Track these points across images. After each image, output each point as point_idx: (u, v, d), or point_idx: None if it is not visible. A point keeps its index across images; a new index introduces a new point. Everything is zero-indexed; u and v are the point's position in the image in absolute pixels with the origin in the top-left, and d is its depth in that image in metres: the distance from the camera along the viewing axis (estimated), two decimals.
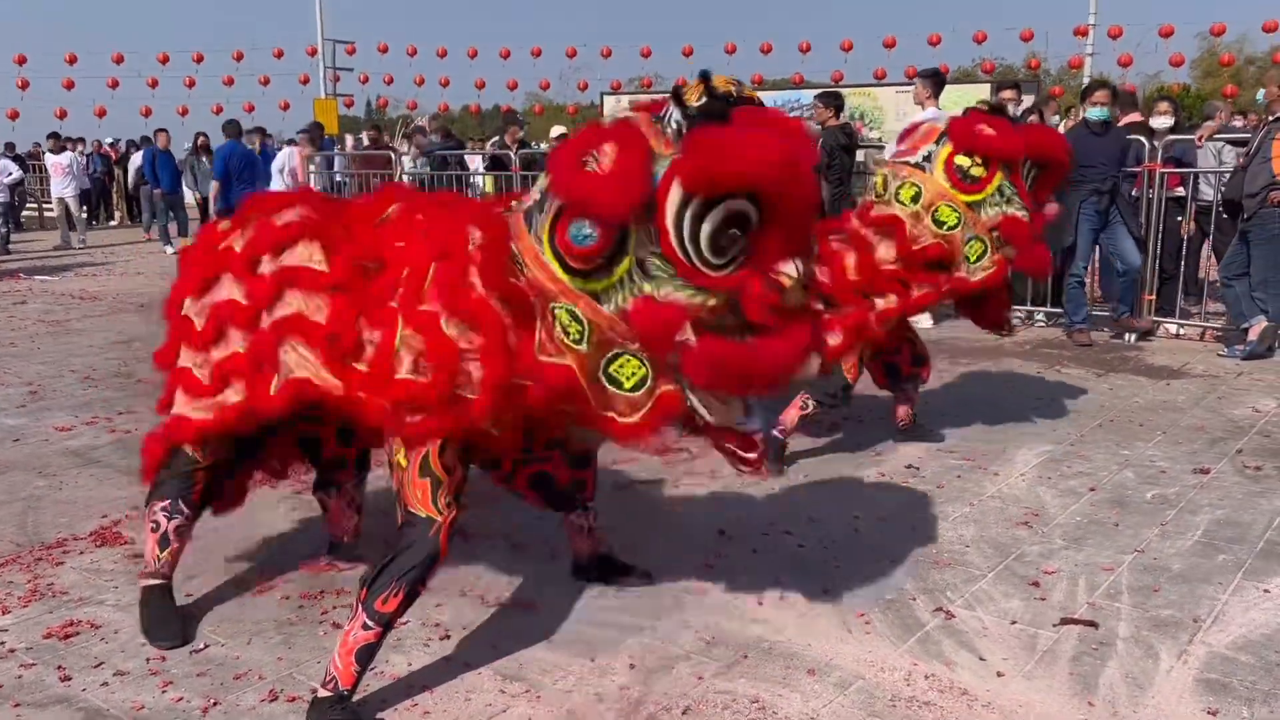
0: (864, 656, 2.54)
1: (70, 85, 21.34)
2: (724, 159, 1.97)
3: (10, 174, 13.37)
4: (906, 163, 3.98)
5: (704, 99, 2.08)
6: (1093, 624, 2.70)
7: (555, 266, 2.16)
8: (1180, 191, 6.95)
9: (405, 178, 9.95)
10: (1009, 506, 3.62)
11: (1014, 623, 2.72)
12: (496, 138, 11.14)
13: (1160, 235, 6.79)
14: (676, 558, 3.12)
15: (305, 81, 21.99)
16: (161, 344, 2.67)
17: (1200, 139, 6.65)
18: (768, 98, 5.04)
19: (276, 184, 9.46)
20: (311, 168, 10.37)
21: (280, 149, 11.45)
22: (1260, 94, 6.96)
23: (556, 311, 2.16)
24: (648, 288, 2.11)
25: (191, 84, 22.47)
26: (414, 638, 2.64)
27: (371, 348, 2.24)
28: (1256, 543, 3.26)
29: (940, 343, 5.63)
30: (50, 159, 14.09)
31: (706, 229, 2.04)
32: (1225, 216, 6.68)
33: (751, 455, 2.31)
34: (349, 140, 15.58)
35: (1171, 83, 21.13)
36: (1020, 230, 3.78)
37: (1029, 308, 7.20)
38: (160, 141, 13.55)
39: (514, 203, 2.36)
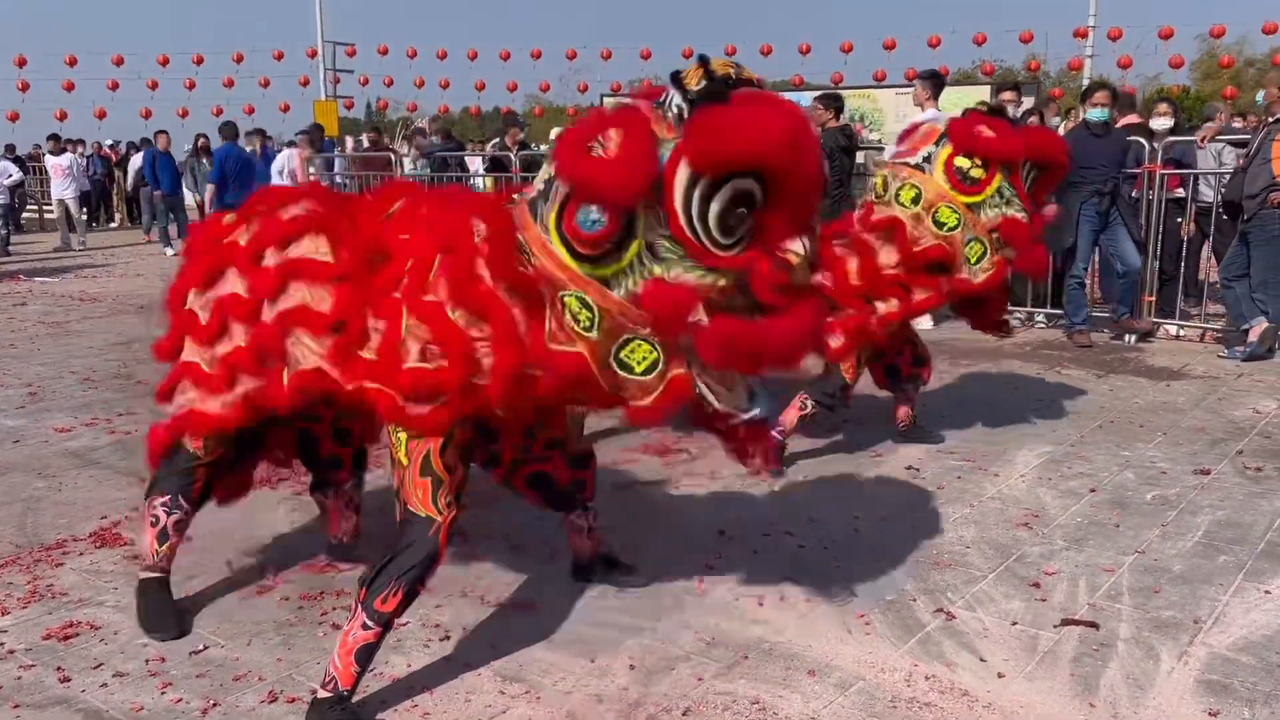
0: (864, 657, 2.54)
1: (70, 87, 21.35)
2: (730, 138, 1.98)
3: (10, 176, 13.37)
4: (906, 164, 3.97)
5: (704, 82, 2.09)
6: (1093, 625, 2.69)
7: (563, 254, 2.16)
8: (1180, 193, 6.95)
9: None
10: (1009, 507, 3.62)
11: (1015, 624, 2.72)
12: (497, 139, 11.14)
13: (1160, 236, 6.79)
14: (677, 558, 3.11)
15: (305, 83, 22.00)
16: (162, 336, 2.66)
17: (1203, 140, 6.65)
18: None
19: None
20: (311, 169, 10.37)
21: (280, 151, 11.45)
22: (1260, 95, 6.97)
23: (566, 299, 2.16)
24: (658, 270, 2.12)
25: (191, 86, 22.52)
26: (414, 638, 2.64)
27: (378, 336, 2.24)
28: (1257, 544, 3.26)
29: (941, 344, 5.63)
30: (50, 161, 14.10)
31: (715, 209, 2.05)
32: (1225, 218, 6.68)
33: (761, 446, 2.33)
34: (349, 142, 15.59)
35: (1171, 84, 21.15)
36: (1019, 231, 3.79)
37: (1029, 309, 7.20)
38: (160, 143, 13.56)
39: (516, 195, 2.36)
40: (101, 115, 21.87)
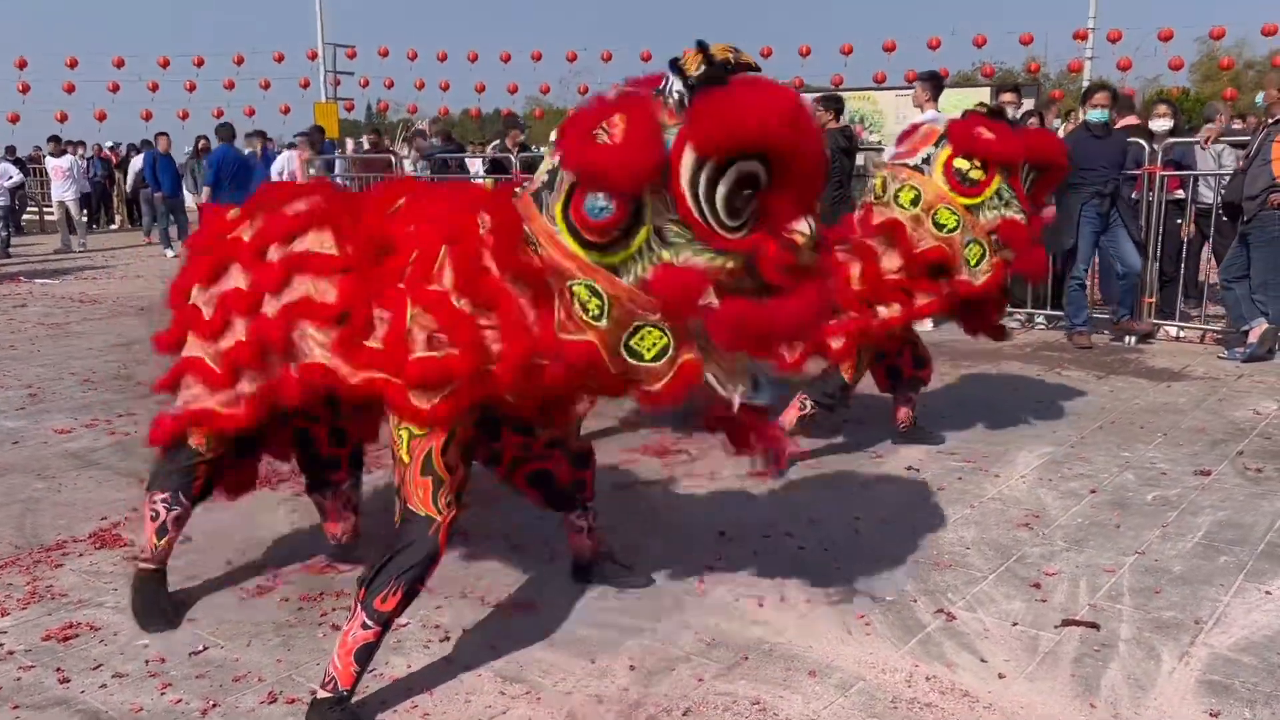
0: (865, 658, 2.54)
1: (71, 89, 21.35)
2: (734, 120, 1.99)
3: (11, 177, 13.37)
4: (905, 165, 3.98)
5: (703, 67, 2.10)
6: (1094, 625, 2.69)
7: (571, 243, 2.16)
8: (1180, 194, 6.95)
9: None
10: (1010, 508, 3.62)
11: (1015, 624, 2.71)
12: (497, 141, 11.16)
13: (1160, 238, 6.79)
14: (677, 559, 3.11)
15: (306, 85, 22.01)
16: (164, 331, 2.66)
17: (1206, 141, 6.66)
18: None
19: None
20: (311, 171, 10.38)
21: (280, 153, 11.46)
22: (1260, 97, 6.97)
23: (575, 288, 2.16)
24: (666, 255, 2.13)
25: (192, 88, 22.50)
26: (414, 639, 2.64)
27: (383, 327, 2.24)
28: (1258, 544, 3.25)
29: (941, 345, 5.62)
30: (51, 162, 14.11)
31: (721, 191, 2.06)
32: (1225, 219, 6.68)
33: (769, 442, 2.35)
34: (349, 144, 15.60)
35: (1171, 86, 21.13)
36: (1018, 233, 3.79)
37: (1029, 310, 7.20)
38: (161, 145, 13.56)
39: (517, 189, 2.37)
40: (102, 117, 21.90)
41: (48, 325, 7.64)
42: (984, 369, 5.78)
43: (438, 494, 2.24)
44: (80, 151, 16.19)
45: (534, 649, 2.58)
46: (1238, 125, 9.11)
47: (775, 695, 2.36)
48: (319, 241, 2.41)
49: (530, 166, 9.51)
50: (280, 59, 21.78)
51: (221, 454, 2.68)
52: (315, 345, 2.33)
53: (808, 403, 4.01)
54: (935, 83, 6.68)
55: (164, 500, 2.69)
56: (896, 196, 3.87)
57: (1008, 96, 7.34)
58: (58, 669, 2.50)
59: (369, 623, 2.22)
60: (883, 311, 3.84)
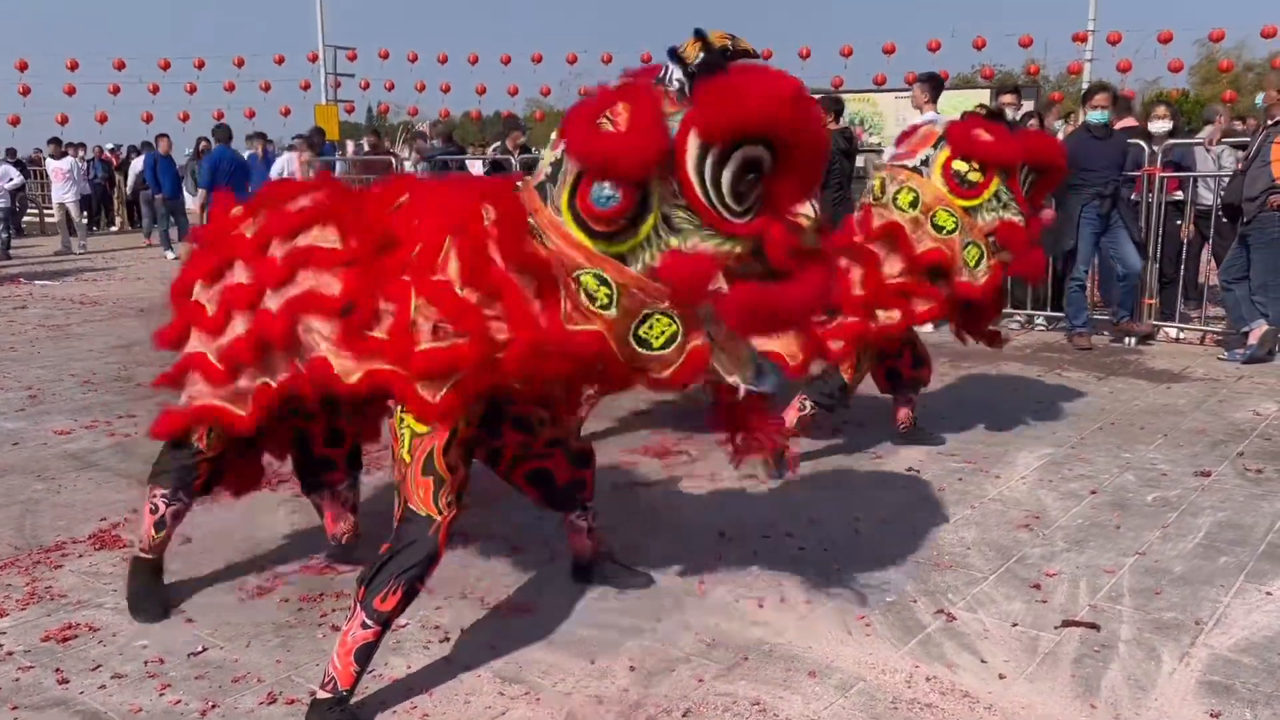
0: (865, 659, 2.53)
1: (72, 91, 21.36)
2: (738, 104, 2.00)
3: (11, 179, 13.38)
4: (904, 167, 3.98)
5: (702, 55, 2.11)
6: (1094, 626, 2.69)
7: (578, 233, 2.16)
8: (1179, 195, 6.96)
9: None
10: (1010, 509, 3.61)
11: (1015, 625, 2.71)
12: (498, 143, 11.16)
13: (1160, 239, 6.79)
14: (677, 559, 3.11)
15: (306, 87, 22.03)
16: (166, 326, 2.66)
17: (1212, 141, 6.66)
18: None
19: None
20: (311, 172, 10.38)
21: (281, 154, 11.47)
22: (1259, 98, 6.97)
23: (582, 278, 2.16)
24: (674, 241, 2.13)
25: (193, 90, 22.51)
26: (413, 640, 2.63)
27: (389, 319, 2.23)
28: (1258, 545, 3.25)
29: (941, 346, 5.61)
30: (51, 164, 14.10)
31: (727, 176, 2.07)
32: (1225, 220, 6.68)
33: (778, 430, 2.36)
34: (350, 146, 15.60)
35: (1170, 88, 21.15)
36: (1016, 235, 3.79)
37: (1029, 312, 7.20)
38: (161, 147, 13.56)
39: (519, 182, 2.37)
40: (102, 119, 21.92)
41: (48, 327, 7.64)
42: (984, 370, 5.78)
43: (439, 494, 2.24)
44: (80, 153, 16.17)
45: (534, 649, 2.58)
46: (1239, 126, 9.11)
47: (775, 696, 2.36)
48: (323, 236, 2.41)
49: (531, 168, 9.47)
50: (281, 61, 21.82)
51: (222, 452, 2.69)
52: (320, 339, 2.33)
53: (807, 403, 4.00)
54: (934, 84, 6.68)
55: (164, 496, 2.72)
56: (895, 199, 3.87)
57: (1007, 98, 7.34)
58: (57, 669, 2.50)
59: (369, 622, 2.22)
60: (882, 317, 3.84)
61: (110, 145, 18.83)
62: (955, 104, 7.93)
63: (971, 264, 3.79)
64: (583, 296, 2.15)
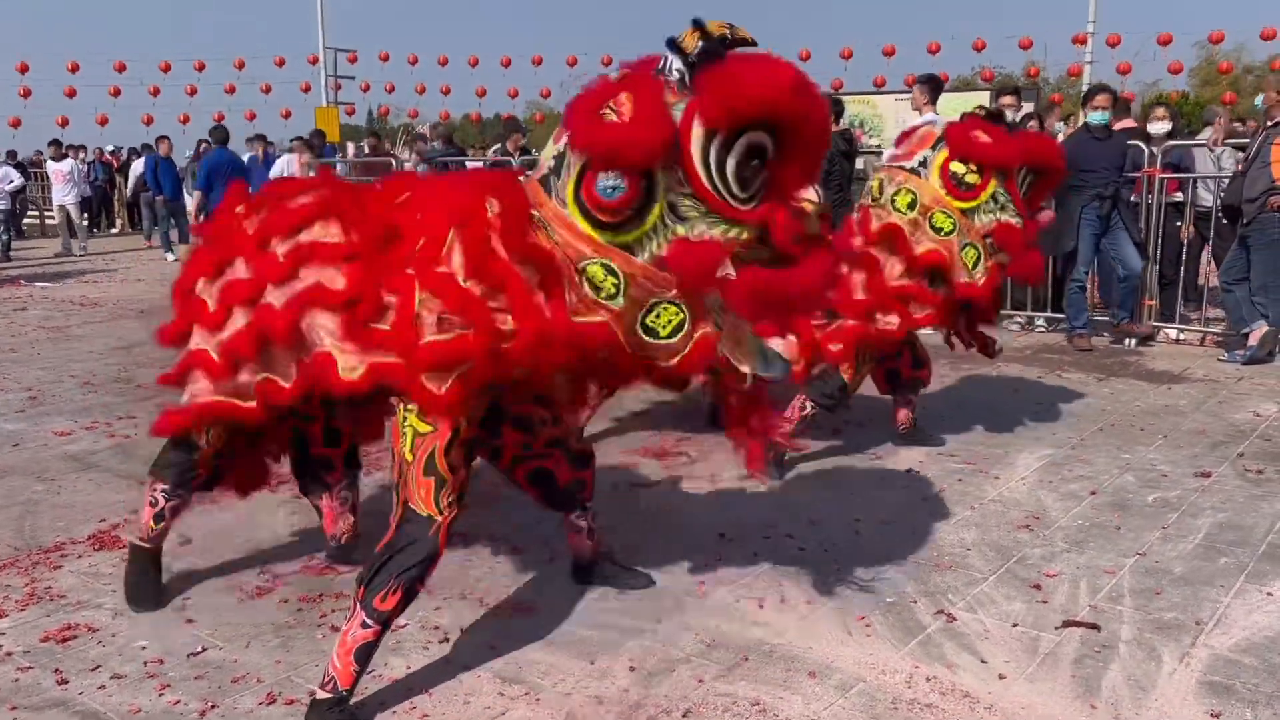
0: (865, 659, 2.53)
1: (72, 93, 21.40)
2: (741, 91, 2.01)
3: (12, 181, 13.39)
4: (902, 168, 3.98)
5: (701, 44, 2.11)
6: (1095, 626, 2.68)
7: (584, 224, 2.17)
8: (1179, 197, 6.96)
9: None
10: (1010, 510, 3.61)
11: (1016, 625, 2.71)
12: (499, 145, 11.17)
13: (1160, 240, 6.79)
14: (677, 560, 3.11)
15: (307, 89, 22.05)
16: (168, 324, 2.65)
17: (1216, 142, 6.66)
18: None
19: None
20: (311, 173, 10.39)
21: (280, 156, 11.47)
22: (1259, 100, 6.97)
23: (588, 269, 2.16)
24: (681, 230, 2.14)
25: (193, 92, 22.55)
26: (413, 640, 2.63)
27: (393, 311, 2.23)
28: (1258, 546, 3.25)
29: (941, 347, 5.61)
30: (52, 166, 14.11)
31: (731, 163, 2.09)
32: (1225, 222, 6.68)
33: (781, 427, 2.37)
34: (350, 148, 15.61)
35: (1170, 90, 21.17)
36: (1013, 237, 3.79)
37: (1029, 313, 7.20)
38: (162, 149, 13.57)
39: (521, 176, 2.37)
40: (103, 121, 21.96)
41: (48, 328, 7.64)
42: (984, 371, 5.78)
43: (440, 494, 2.23)
44: (81, 156, 16.19)
45: (533, 650, 2.57)
46: (1239, 127, 9.12)
47: (775, 696, 2.36)
48: (325, 232, 2.41)
49: (531, 169, 9.51)
50: (281, 63, 21.86)
51: (222, 449, 2.70)
52: (325, 334, 2.32)
53: (807, 403, 4.00)
54: (934, 85, 6.69)
55: (164, 490, 2.75)
56: (893, 200, 3.87)
57: (1007, 100, 7.35)
58: (56, 670, 2.50)
59: (368, 622, 2.22)
60: (882, 322, 3.84)
61: (111, 147, 18.84)
62: (955, 106, 7.93)
63: (970, 265, 3.79)
64: (588, 288, 2.16)
